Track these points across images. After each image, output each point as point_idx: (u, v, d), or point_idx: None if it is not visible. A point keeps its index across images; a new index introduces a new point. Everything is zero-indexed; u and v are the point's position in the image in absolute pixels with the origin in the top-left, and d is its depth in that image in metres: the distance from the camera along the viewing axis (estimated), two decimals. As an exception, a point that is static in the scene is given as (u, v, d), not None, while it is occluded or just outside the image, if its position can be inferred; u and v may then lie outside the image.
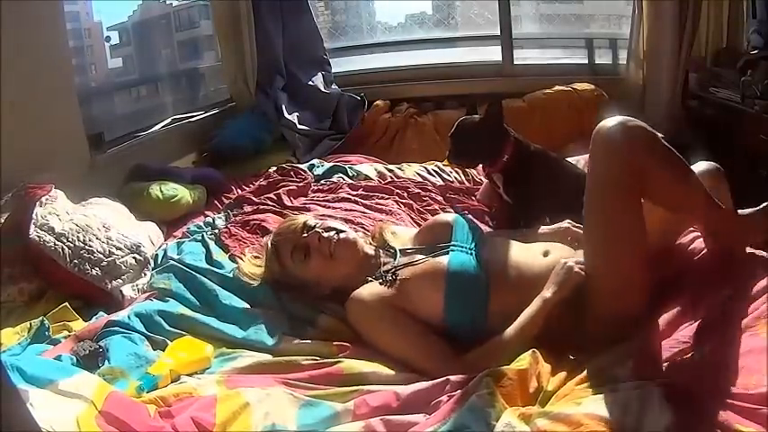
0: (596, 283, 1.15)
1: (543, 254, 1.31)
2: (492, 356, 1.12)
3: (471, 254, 1.31)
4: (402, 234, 1.54)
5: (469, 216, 1.71)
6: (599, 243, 1.17)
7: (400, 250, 1.41)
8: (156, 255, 1.76)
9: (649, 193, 1.14)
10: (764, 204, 1.22)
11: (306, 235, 1.39)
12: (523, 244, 1.37)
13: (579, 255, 1.29)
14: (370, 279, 1.32)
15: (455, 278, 1.23)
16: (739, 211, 1.23)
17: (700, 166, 1.28)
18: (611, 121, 1.12)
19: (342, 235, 1.38)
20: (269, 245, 1.44)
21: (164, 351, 1.25)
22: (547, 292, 1.18)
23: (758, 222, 1.19)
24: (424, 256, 1.34)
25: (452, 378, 1.05)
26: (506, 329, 1.18)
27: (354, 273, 1.36)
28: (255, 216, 2.00)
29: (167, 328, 1.33)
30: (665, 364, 1.01)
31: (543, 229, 1.53)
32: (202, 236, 1.81)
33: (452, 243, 1.35)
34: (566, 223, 1.49)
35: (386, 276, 1.30)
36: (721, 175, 1.31)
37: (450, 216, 1.53)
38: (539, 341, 1.14)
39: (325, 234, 1.38)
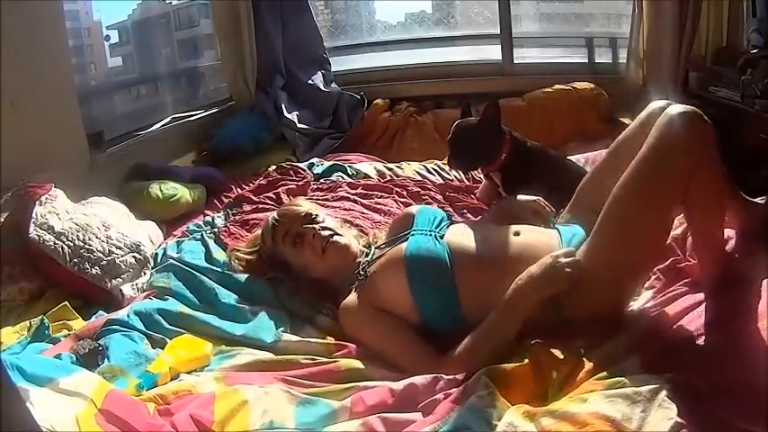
0: (607, 257, 1.14)
1: (514, 234, 1.29)
2: (477, 355, 1.11)
3: (431, 235, 1.30)
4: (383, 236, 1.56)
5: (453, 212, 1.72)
6: (630, 225, 1.13)
7: (375, 247, 1.43)
8: (156, 254, 1.76)
9: (687, 195, 1.11)
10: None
11: (304, 226, 1.43)
12: (494, 225, 1.37)
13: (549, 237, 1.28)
14: (352, 285, 1.34)
15: (413, 259, 1.23)
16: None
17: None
18: (685, 111, 1.11)
19: (335, 238, 1.42)
20: (269, 220, 1.51)
21: (163, 349, 1.25)
22: (527, 286, 1.12)
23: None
24: (388, 248, 1.35)
25: (446, 376, 1.05)
26: (486, 324, 1.14)
27: (339, 271, 1.40)
28: (255, 215, 2.00)
29: (167, 326, 1.33)
30: (672, 359, 1.00)
31: (520, 197, 1.53)
32: (202, 235, 1.81)
33: (413, 229, 1.35)
34: (539, 198, 1.49)
35: (358, 276, 1.32)
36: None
37: (415, 207, 1.54)
38: (528, 331, 1.13)
39: (322, 233, 1.41)
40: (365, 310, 1.26)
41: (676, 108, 1.12)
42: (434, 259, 1.23)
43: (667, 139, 1.10)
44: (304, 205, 1.52)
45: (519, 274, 1.15)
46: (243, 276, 1.49)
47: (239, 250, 1.56)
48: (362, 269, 1.34)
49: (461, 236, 1.30)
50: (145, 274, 1.65)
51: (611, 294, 1.17)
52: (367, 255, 1.42)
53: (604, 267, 1.14)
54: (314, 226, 1.43)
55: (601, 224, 1.16)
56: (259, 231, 1.58)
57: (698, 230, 1.21)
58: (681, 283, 1.25)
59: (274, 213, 1.53)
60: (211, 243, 1.73)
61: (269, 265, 1.49)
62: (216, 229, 1.88)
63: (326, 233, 1.42)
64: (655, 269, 1.30)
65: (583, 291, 1.14)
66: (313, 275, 1.43)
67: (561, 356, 1.04)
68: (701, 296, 1.16)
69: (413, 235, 1.32)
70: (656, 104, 1.26)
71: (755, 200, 1.37)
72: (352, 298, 1.30)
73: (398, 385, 1.05)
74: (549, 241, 1.26)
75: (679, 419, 0.83)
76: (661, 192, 1.11)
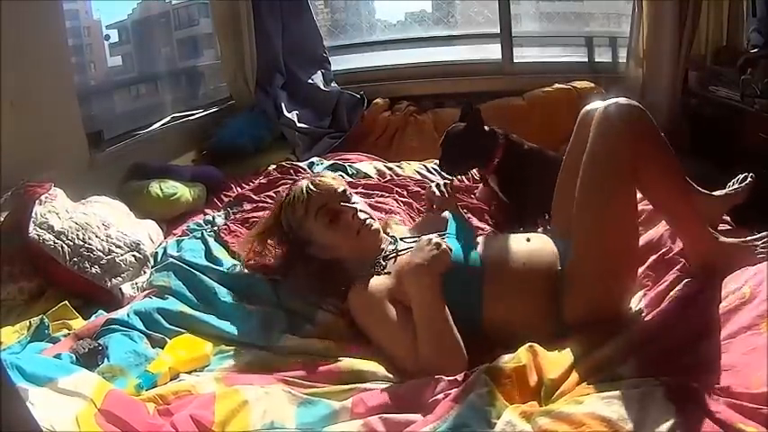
0: (587, 264, 1.16)
1: (526, 240, 1.34)
2: (427, 346, 1.13)
3: (467, 243, 1.33)
4: (399, 230, 1.58)
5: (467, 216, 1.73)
6: (595, 223, 1.16)
7: (400, 239, 1.43)
8: (156, 253, 1.76)
9: (639, 181, 1.16)
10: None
11: (342, 204, 1.40)
12: (509, 234, 1.40)
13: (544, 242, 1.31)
14: (372, 270, 1.33)
15: (452, 261, 1.23)
16: (722, 239, 1.23)
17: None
18: (615, 102, 1.15)
19: (369, 221, 1.41)
20: (304, 188, 1.41)
21: (163, 349, 1.25)
22: (417, 277, 1.15)
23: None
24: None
25: (446, 378, 1.05)
26: (416, 320, 1.16)
27: (365, 254, 1.38)
28: (255, 214, 2.00)
29: (166, 325, 1.33)
30: (667, 362, 1.00)
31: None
32: (202, 233, 1.81)
33: (447, 232, 1.38)
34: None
35: (382, 263, 1.32)
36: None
37: (446, 213, 1.55)
38: (525, 333, 1.14)
39: (360, 214, 1.40)
40: (380, 295, 1.25)
41: (606, 102, 1.17)
42: (471, 266, 1.26)
43: (603, 133, 1.15)
44: (336, 182, 1.47)
45: (534, 284, 1.20)
46: (243, 275, 1.48)
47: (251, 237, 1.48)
48: (385, 257, 1.35)
49: (491, 246, 1.33)
50: (145, 273, 1.65)
51: (608, 297, 1.18)
52: (392, 243, 1.41)
53: (591, 273, 1.16)
54: (353, 205, 1.40)
55: (575, 233, 1.20)
56: (271, 211, 1.52)
57: (668, 218, 1.25)
58: (671, 273, 1.25)
59: (308, 183, 1.43)
60: (211, 241, 1.72)
61: (285, 236, 1.42)
62: (216, 228, 1.87)
63: (364, 216, 1.40)
64: (646, 263, 1.32)
65: (579, 299, 1.16)
66: (335, 255, 1.40)
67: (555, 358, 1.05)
68: (692, 290, 1.16)
69: (449, 237, 1.34)
70: (588, 108, 1.33)
71: (714, 193, 1.42)
72: (372, 281, 1.29)
73: (400, 387, 1.06)
74: (553, 249, 1.28)
75: (675, 420, 0.83)
76: (613, 185, 1.14)
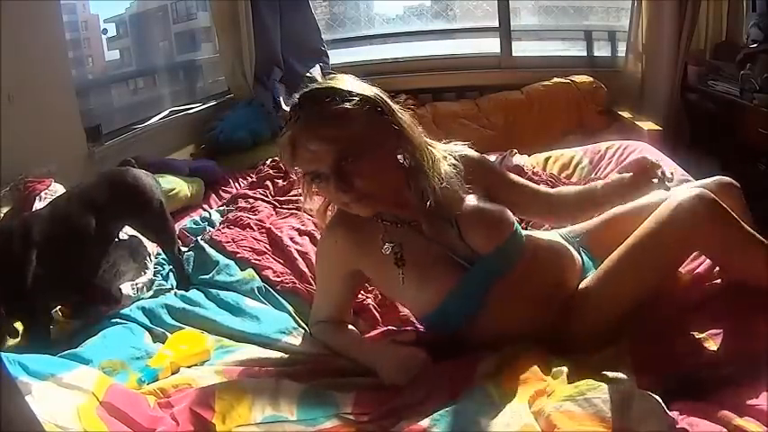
0: (606, 301, 1.13)
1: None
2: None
3: None
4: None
5: None
6: (632, 276, 1.12)
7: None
8: (159, 253, 1.74)
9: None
10: None
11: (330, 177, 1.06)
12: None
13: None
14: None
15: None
16: None
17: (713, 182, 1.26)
18: (693, 196, 1.06)
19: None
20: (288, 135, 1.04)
21: (164, 343, 1.26)
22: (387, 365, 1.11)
23: None
24: None
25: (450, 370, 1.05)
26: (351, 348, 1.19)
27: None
28: (250, 213, 1.97)
29: (168, 321, 1.33)
30: (666, 361, 1.01)
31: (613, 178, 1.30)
32: (197, 241, 1.77)
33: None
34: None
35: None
36: (735, 192, 1.25)
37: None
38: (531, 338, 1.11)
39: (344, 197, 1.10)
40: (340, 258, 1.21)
41: (688, 195, 1.07)
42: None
43: (677, 224, 1.07)
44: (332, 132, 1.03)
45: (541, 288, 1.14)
46: (241, 284, 1.48)
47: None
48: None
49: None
50: (144, 273, 1.64)
51: (614, 317, 1.14)
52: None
53: (609, 299, 1.13)
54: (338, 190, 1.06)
55: (611, 263, 1.15)
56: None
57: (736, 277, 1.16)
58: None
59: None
60: (207, 247, 1.71)
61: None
62: (209, 234, 1.84)
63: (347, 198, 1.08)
64: None
65: (590, 312, 1.13)
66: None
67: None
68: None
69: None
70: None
71: None
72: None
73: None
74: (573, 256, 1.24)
75: (673, 416, 0.84)
76: (666, 256, 1.12)
